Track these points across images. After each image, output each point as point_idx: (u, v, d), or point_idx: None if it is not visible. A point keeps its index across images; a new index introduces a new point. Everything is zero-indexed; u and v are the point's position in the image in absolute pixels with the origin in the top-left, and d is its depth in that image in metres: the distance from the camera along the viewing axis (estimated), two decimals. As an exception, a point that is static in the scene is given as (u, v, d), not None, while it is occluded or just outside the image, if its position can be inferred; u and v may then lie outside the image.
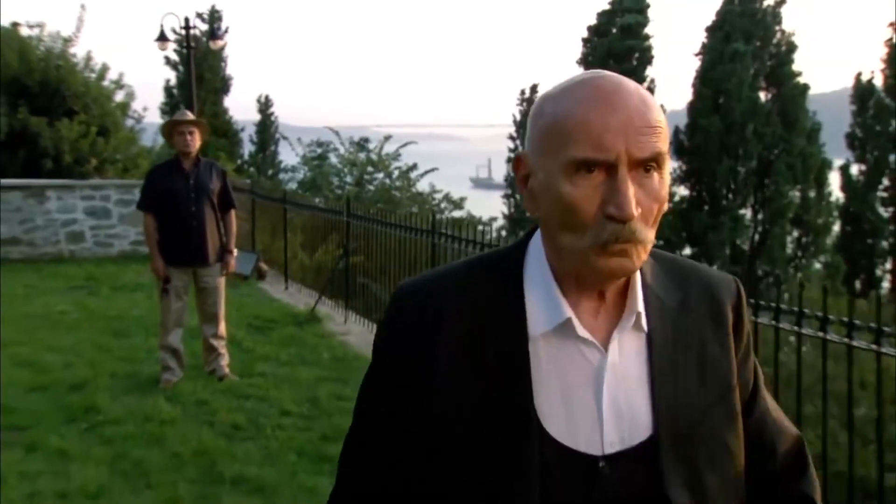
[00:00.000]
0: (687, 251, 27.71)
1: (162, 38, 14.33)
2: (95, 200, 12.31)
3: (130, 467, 4.30)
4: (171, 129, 5.74)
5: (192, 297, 5.91)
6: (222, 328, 5.91)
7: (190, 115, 6.02)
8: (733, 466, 1.05)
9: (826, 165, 27.48)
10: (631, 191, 0.94)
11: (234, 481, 4.13)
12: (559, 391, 1.01)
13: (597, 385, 1.01)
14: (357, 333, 7.33)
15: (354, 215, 7.84)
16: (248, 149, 33.17)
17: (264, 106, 35.63)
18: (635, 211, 0.94)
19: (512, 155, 37.16)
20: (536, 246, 1.06)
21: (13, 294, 8.91)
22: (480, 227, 13.43)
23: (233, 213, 5.97)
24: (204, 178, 5.70)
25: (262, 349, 6.66)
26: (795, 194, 27.33)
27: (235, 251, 6.05)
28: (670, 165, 0.98)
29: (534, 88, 34.14)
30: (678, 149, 28.35)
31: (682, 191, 28.89)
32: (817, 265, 27.59)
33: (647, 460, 1.01)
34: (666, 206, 0.99)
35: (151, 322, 6.77)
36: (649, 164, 0.96)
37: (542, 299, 1.03)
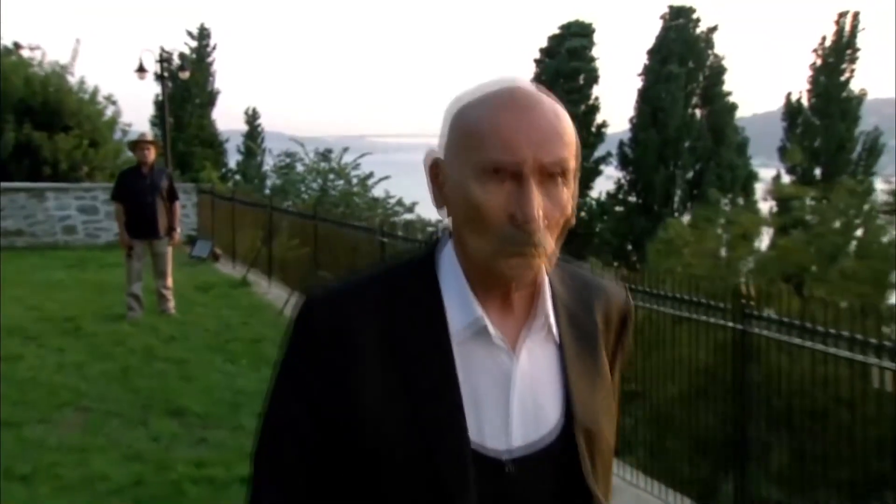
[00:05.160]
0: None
1: (140, 69, 17.12)
2: (86, 200, 15.04)
3: (101, 354, 7.01)
4: (135, 145, 8.49)
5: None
6: (169, 281, 8.60)
7: (149, 136, 8.75)
8: (610, 468, 1.14)
9: (752, 177, 30.35)
10: (535, 197, 0.97)
11: (164, 359, 6.85)
12: (469, 393, 1.03)
13: (505, 388, 1.04)
14: (274, 294, 10.04)
15: (275, 208, 10.61)
16: (236, 158, 35.61)
17: (251, 118, 38.17)
18: (538, 217, 0.97)
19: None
20: (448, 251, 1.08)
21: (22, 269, 11.61)
22: (430, 228, 16.07)
23: (177, 203, 8.62)
24: (157, 180, 8.39)
25: (201, 300, 9.40)
26: (725, 202, 30.16)
27: (179, 229, 8.75)
28: (576, 185, 1.04)
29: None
30: (623, 160, 31.25)
31: (630, 198, 31.72)
32: (747, 267, 30.24)
33: (552, 461, 1.05)
34: (572, 222, 1.03)
35: (125, 285, 9.46)
36: (556, 175, 0.99)
37: (454, 301, 1.05)
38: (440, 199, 1.07)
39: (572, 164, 1.01)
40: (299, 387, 1.05)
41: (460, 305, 1.05)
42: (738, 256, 9.16)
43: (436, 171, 1.08)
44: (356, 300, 1.06)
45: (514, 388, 1.04)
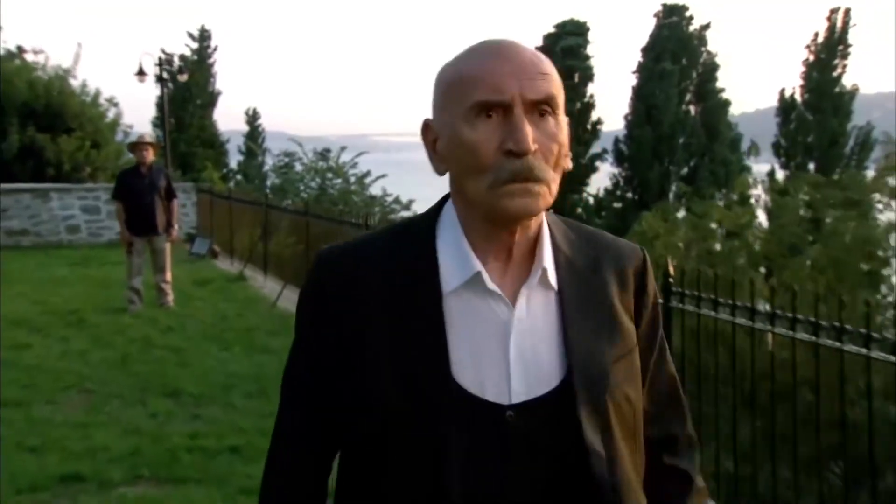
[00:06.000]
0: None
1: (140, 72, 17.58)
2: (89, 200, 15.51)
3: (103, 343, 7.45)
4: (134, 146, 8.93)
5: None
6: (168, 276, 9.03)
7: (147, 138, 9.18)
8: (633, 418, 1.12)
9: (746, 171, 30.70)
10: (527, 127, 1.00)
11: (162, 347, 7.28)
12: (469, 344, 1.06)
13: (504, 338, 1.06)
14: (269, 287, 10.47)
15: (270, 206, 11.05)
16: (237, 158, 36.00)
17: (252, 118, 38.56)
18: (532, 146, 0.99)
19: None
20: (449, 208, 1.13)
21: (27, 267, 12.08)
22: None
23: (175, 201, 9.05)
24: (155, 179, 8.83)
25: (200, 294, 9.85)
26: (719, 197, 30.56)
27: (177, 226, 9.19)
28: (567, 123, 1.06)
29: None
30: (619, 157, 31.67)
31: (626, 195, 32.13)
32: (741, 260, 30.63)
33: (553, 410, 1.06)
34: (567, 152, 1.05)
35: (126, 280, 9.89)
36: (543, 107, 1.02)
37: (453, 257, 1.08)
38: (436, 159, 1.10)
39: (559, 99, 1.04)
40: (308, 331, 1.14)
41: (458, 259, 1.08)
42: (707, 247, 9.71)
43: (428, 134, 1.12)
44: (360, 254, 1.13)
45: (512, 337, 1.06)
